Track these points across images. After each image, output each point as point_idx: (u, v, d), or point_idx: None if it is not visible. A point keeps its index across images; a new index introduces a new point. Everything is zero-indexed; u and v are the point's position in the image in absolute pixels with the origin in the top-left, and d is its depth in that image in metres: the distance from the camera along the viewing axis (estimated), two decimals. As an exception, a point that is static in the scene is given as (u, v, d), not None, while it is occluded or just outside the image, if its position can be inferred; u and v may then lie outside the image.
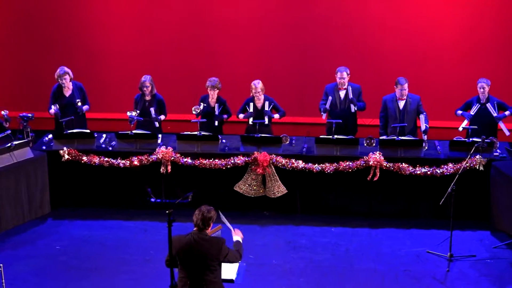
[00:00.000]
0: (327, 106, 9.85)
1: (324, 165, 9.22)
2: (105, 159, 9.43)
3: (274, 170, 9.29)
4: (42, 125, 10.74)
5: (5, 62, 12.35)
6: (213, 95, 9.91)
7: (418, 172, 9.11)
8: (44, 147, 9.61)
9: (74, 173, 9.57)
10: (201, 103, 9.83)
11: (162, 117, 10.08)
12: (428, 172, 9.10)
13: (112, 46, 12.14)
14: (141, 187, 8.88)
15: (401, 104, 9.70)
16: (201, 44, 11.99)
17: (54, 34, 12.16)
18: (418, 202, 9.34)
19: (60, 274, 8.00)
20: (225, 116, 9.94)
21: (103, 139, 9.84)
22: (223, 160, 9.31)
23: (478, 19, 11.46)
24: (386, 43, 11.68)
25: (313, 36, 11.79)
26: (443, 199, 8.27)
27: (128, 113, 9.70)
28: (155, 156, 9.37)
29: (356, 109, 9.91)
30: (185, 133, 9.64)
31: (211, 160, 9.33)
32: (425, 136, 9.48)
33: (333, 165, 9.21)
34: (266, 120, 9.77)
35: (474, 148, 8.65)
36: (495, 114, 9.57)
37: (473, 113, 9.65)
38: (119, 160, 9.42)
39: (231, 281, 6.24)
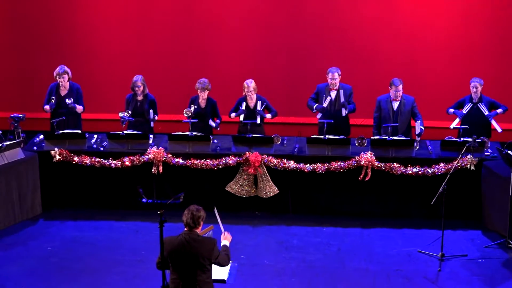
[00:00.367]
0: (325, 105, 9.83)
1: (315, 165, 9.22)
2: (96, 160, 9.41)
3: (265, 170, 9.28)
4: (33, 126, 10.70)
5: (-5, 63, 12.33)
6: (203, 96, 9.91)
7: (410, 172, 9.12)
8: (35, 148, 9.58)
9: (66, 174, 9.54)
10: (192, 105, 9.81)
11: (155, 117, 10.07)
12: (420, 172, 9.11)
13: (103, 46, 12.12)
14: (132, 188, 8.87)
15: (395, 105, 9.69)
16: (193, 44, 11.98)
17: (45, 34, 12.13)
18: (409, 201, 9.35)
19: (51, 275, 7.97)
20: (218, 121, 9.91)
21: (94, 139, 9.82)
22: (214, 160, 9.30)
23: (469, 20, 11.49)
24: (377, 44, 11.69)
25: (304, 37, 11.80)
26: (434, 199, 8.29)
27: (120, 114, 9.67)
28: (146, 156, 9.36)
29: (347, 112, 9.89)
30: (177, 133, 9.63)
31: (202, 161, 9.32)
32: (418, 138, 9.49)
33: (325, 165, 9.21)
34: (258, 120, 9.75)
35: (465, 147, 8.67)
36: (486, 113, 9.60)
37: (465, 112, 9.67)
38: (110, 161, 9.40)
39: (222, 281, 6.23)
